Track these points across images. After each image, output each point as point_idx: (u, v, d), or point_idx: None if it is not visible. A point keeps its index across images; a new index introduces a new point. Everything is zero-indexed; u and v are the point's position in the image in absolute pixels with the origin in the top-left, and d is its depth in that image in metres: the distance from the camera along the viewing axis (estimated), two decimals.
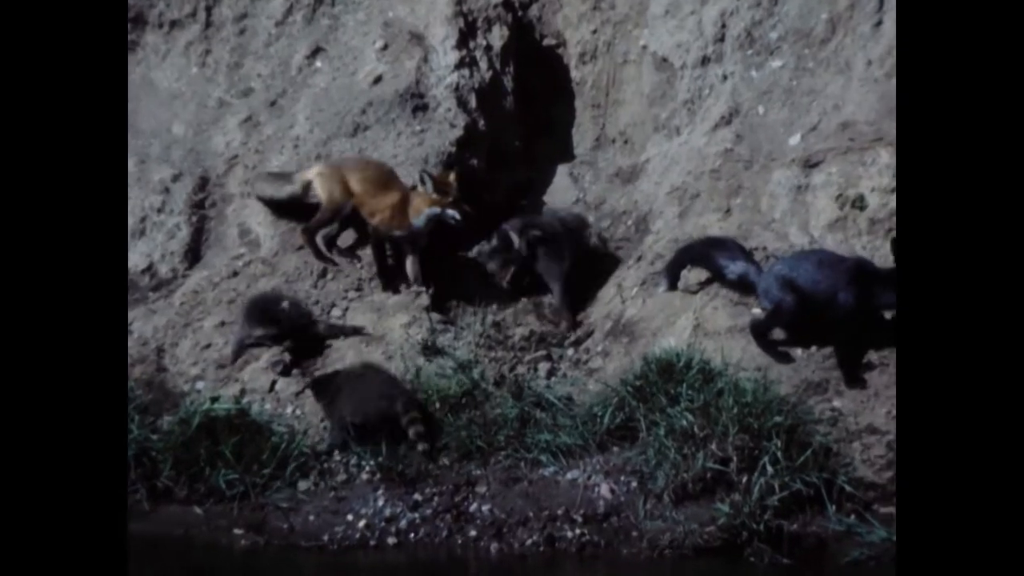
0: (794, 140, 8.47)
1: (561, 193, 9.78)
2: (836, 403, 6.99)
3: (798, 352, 7.24)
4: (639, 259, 8.48)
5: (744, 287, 7.48)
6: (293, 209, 8.64)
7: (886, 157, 7.81)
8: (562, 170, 9.90)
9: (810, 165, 8.10)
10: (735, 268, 7.49)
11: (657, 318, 7.84)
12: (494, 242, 8.62)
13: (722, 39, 9.08)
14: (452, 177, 8.31)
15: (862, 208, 7.82)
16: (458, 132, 9.05)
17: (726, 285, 7.60)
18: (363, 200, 8.38)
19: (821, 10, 8.77)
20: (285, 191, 8.63)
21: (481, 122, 9.26)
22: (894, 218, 7.60)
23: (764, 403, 6.71)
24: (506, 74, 9.78)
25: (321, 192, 8.44)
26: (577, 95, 10.19)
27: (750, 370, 7.09)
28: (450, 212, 8.20)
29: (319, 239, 8.54)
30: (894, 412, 6.69)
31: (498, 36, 9.80)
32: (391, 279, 8.35)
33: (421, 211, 8.22)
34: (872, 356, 7.11)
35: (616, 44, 10.01)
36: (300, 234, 8.54)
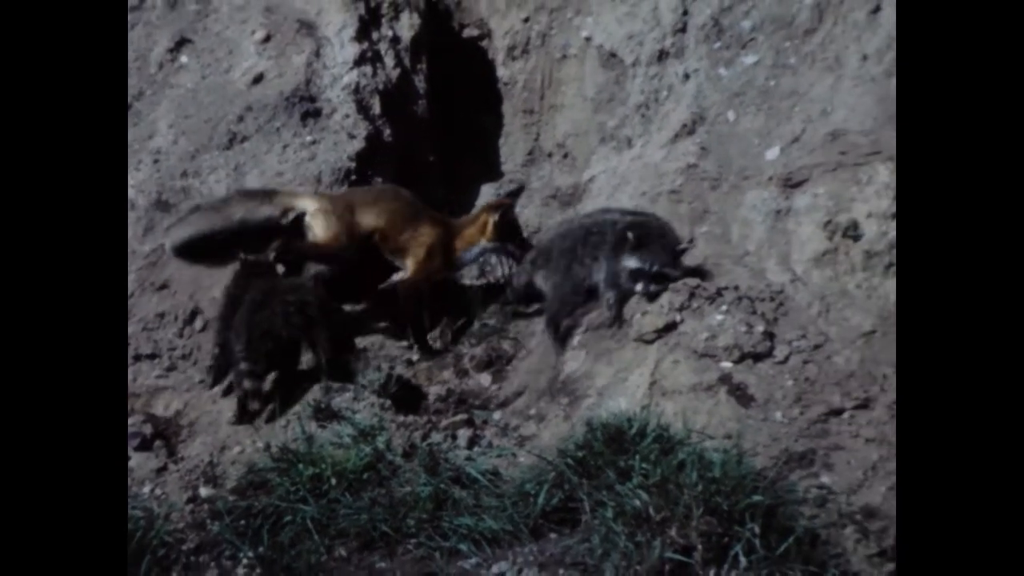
0: (772, 154, 8.54)
1: None
2: (825, 479, 6.94)
3: (777, 416, 7.22)
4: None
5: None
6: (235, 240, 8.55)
7: (885, 175, 7.84)
8: (487, 191, 9.96)
9: (792, 184, 8.13)
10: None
11: (604, 374, 7.80)
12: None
13: (683, 29, 9.18)
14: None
15: (856, 238, 7.83)
16: (358, 144, 9.06)
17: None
18: (390, 240, 8.54)
19: None
20: (260, 212, 8.57)
21: (387, 131, 9.27)
22: (895, 250, 7.63)
23: (735, 479, 6.60)
24: (417, 72, 9.82)
25: (319, 231, 8.47)
26: (505, 98, 10.25)
27: (718, 438, 7.03)
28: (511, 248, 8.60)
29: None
30: (895, 489, 6.68)
31: (407, 26, 9.85)
32: (427, 344, 8.56)
33: (476, 243, 8.48)
34: (868, 429, 7.11)
35: (553, 36, 10.08)
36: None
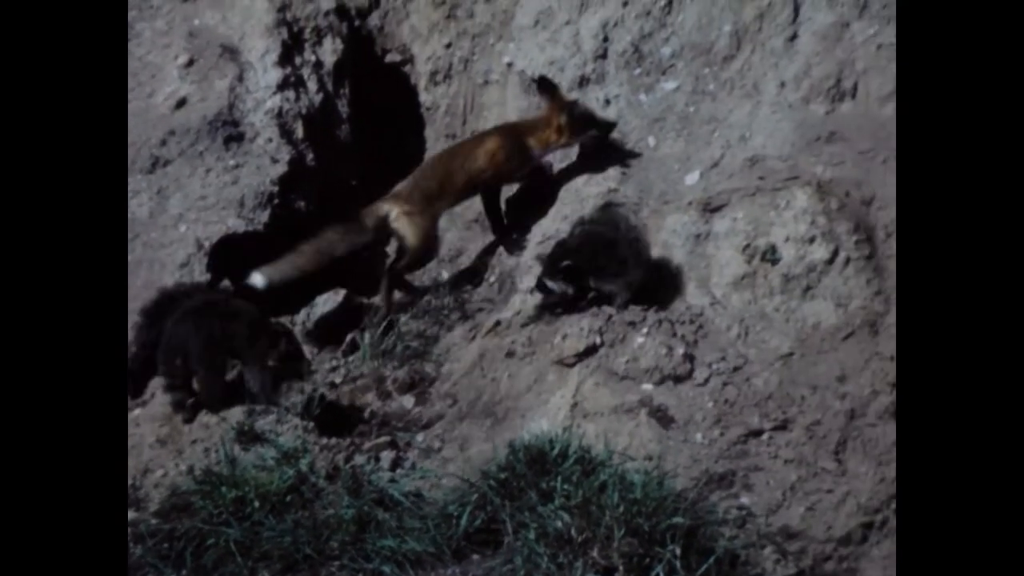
0: (692, 178, 8.57)
1: None
2: (744, 499, 6.99)
3: (697, 437, 7.26)
4: (500, 324, 8.44)
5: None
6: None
7: (803, 199, 7.90)
8: None
9: (711, 209, 8.16)
10: None
11: (526, 396, 7.81)
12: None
13: (604, 55, 9.18)
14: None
15: (774, 262, 7.89)
16: (281, 168, 9.02)
17: None
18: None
19: (724, 21, 8.93)
20: (359, 240, 8.82)
21: (310, 156, 9.24)
22: (813, 274, 7.71)
23: (656, 500, 6.62)
24: (340, 97, 9.78)
25: (409, 234, 8.74)
26: (428, 122, 10.23)
27: (639, 460, 7.04)
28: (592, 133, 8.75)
29: None
30: (814, 510, 6.74)
31: (330, 51, 9.82)
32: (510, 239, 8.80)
33: (555, 141, 8.83)
34: (787, 450, 7.16)
35: (475, 61, 10.06)
36: (387, 276, 8.91)
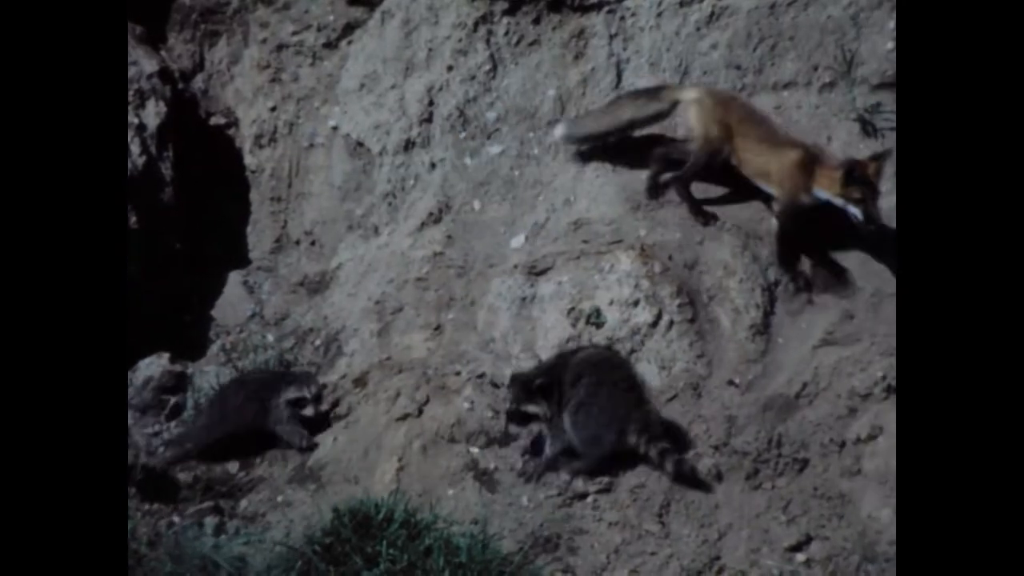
0: (517, 242, 8.60)
1: (232, 307, 9.59)
2: (570, 560, 6.98)
3: (523, 500, 7.23)
4: (325, 387, 8.32)
5: None
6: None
7: (626, 263, 7.98)
8: (234, 278, 9.77)
9: (536, 272, 8.20)
10: None
11: (351, 460, 7.73)
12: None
13: (429, 119, 9.19)
14: (873, 169, 8.16)
15: (599, 325, 7.94)
16: None
17: None
18: (745, 152, 8.43)
19: (548, 85, 9.01)
20: (650, 109, 8.64)
21: (132, 218, 9.04)
22: (637, 336, 7.78)
23: (481, 563, 6.63)
24: (164, 160, 9.62)
25: (695, 123, 8.46)
26: (253, 186, 10.12)
27: (465, 523, 7.01)
28: (853, 209, 8.11)
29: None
30: (638, 572, 6.75)
31: (153, 113, 9.66)
32: (799, 274, 8.36)
33: (825, 188, 8.20)
34: (611, 513, 7.16)
35: (300, 124, 9.99)
36: (674, 186, 8.57)
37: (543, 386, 7.34)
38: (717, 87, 8.89)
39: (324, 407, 8.06)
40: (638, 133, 8.84)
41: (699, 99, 8.54)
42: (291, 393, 7.93)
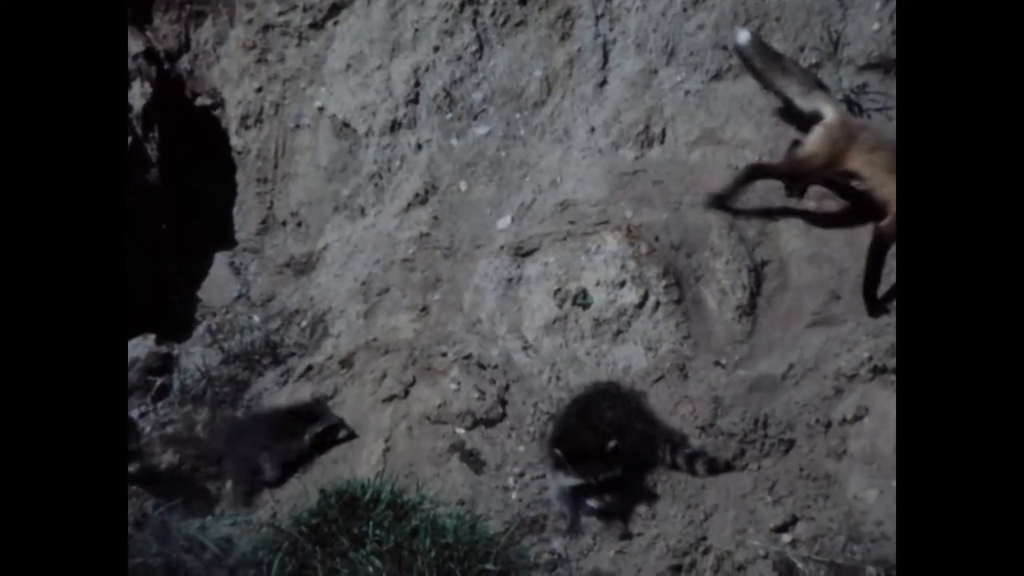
0: (503, 223, 8.58)
1: (218, 288, 9.57)
2: (555, 544, 6.97)
3: (510, 481, 7.22)
4: (312, 369, 8.33)
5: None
6: None
7: (613, 244, 7.96)
8: (220, 259, 9.74)
9: (523, 253, 8.19)
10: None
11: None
12: None
13: (416, 100, 9.17)
14: None
15: (585, 306, 7.92)
16: None
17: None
18: (873, 180, 8.21)
19: (534, 66, 8.99)
20: (795, 96, 8.54)
21: None
22: (623, 318, 7.77)
23: (468, 544, 6.59)
24: (149, 141, 9.59)
25: (812, 142, 8.34)
26: (239, 167, 10.09)
27: (451, 504, 7.02)
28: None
29: None
30: (625, 553, 6.74)
31: (139, 94, 9.62)
32: (876, 301, 8.12)
33: None
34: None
35: (286, 105, 9.96)
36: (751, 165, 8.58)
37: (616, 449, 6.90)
38: (855, 118, 8.70)
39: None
40: None
41: (829, 126, 8.37)
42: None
